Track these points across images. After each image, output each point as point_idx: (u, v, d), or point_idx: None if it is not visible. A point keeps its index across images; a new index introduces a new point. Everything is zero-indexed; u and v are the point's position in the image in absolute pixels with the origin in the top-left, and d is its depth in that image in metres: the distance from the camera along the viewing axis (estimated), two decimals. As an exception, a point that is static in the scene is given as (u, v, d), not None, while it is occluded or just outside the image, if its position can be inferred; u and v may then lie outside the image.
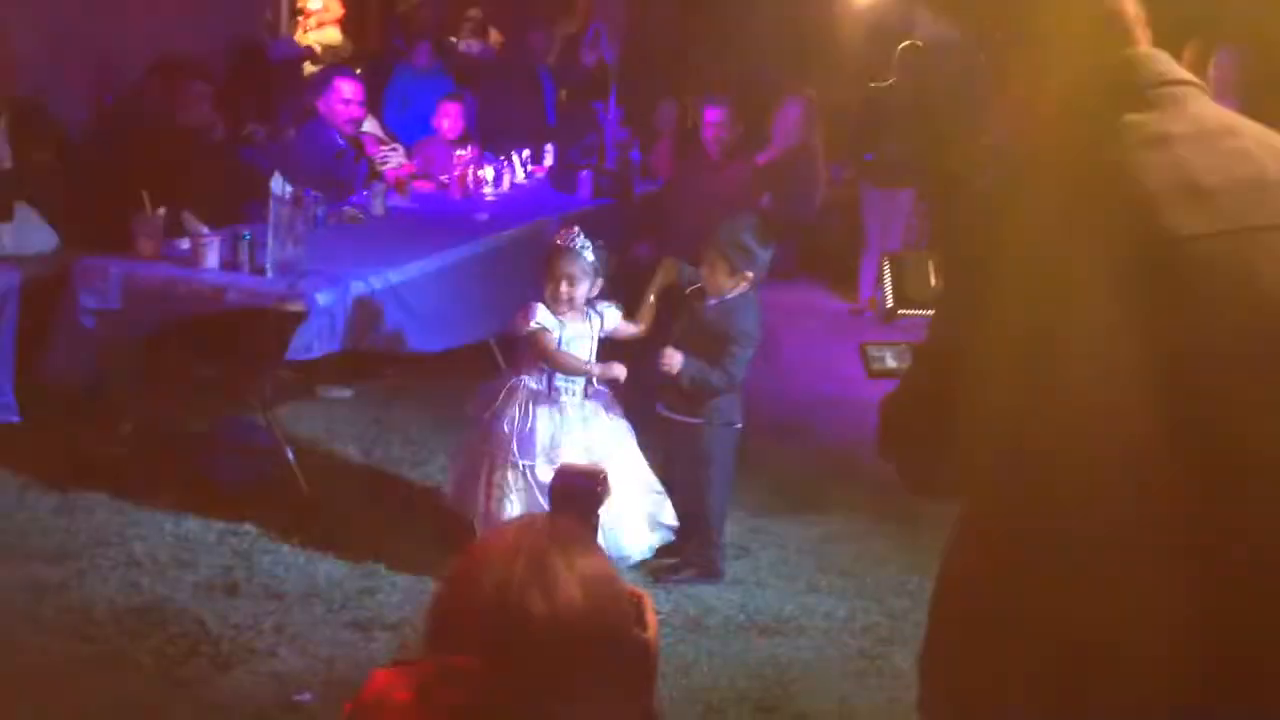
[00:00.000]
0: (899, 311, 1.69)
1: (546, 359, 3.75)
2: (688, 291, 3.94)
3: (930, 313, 1.54)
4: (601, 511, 1.84)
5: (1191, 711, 1.42)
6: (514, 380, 3.81)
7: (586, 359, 3.80)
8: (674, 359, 3.74)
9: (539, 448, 3.67)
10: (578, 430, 3.72)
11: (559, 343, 3.75)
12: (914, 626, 3.28)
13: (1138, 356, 1.40)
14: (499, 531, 1.65)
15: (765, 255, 3.84)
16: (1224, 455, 1.42)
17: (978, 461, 1.46)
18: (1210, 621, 1.42)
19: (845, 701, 3.27)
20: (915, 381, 1.58)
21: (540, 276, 3.81)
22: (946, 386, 1.47)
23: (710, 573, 3.88)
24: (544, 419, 3.71)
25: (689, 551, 3.89)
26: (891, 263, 1.70)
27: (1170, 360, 1.40)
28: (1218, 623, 1.43)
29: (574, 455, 3.58)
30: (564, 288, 3.73)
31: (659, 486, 3.86)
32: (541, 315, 3.75)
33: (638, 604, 1.82)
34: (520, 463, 3.67)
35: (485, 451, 3.77)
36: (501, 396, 3.78)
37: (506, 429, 3.71)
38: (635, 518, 3.79)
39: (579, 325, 3.80)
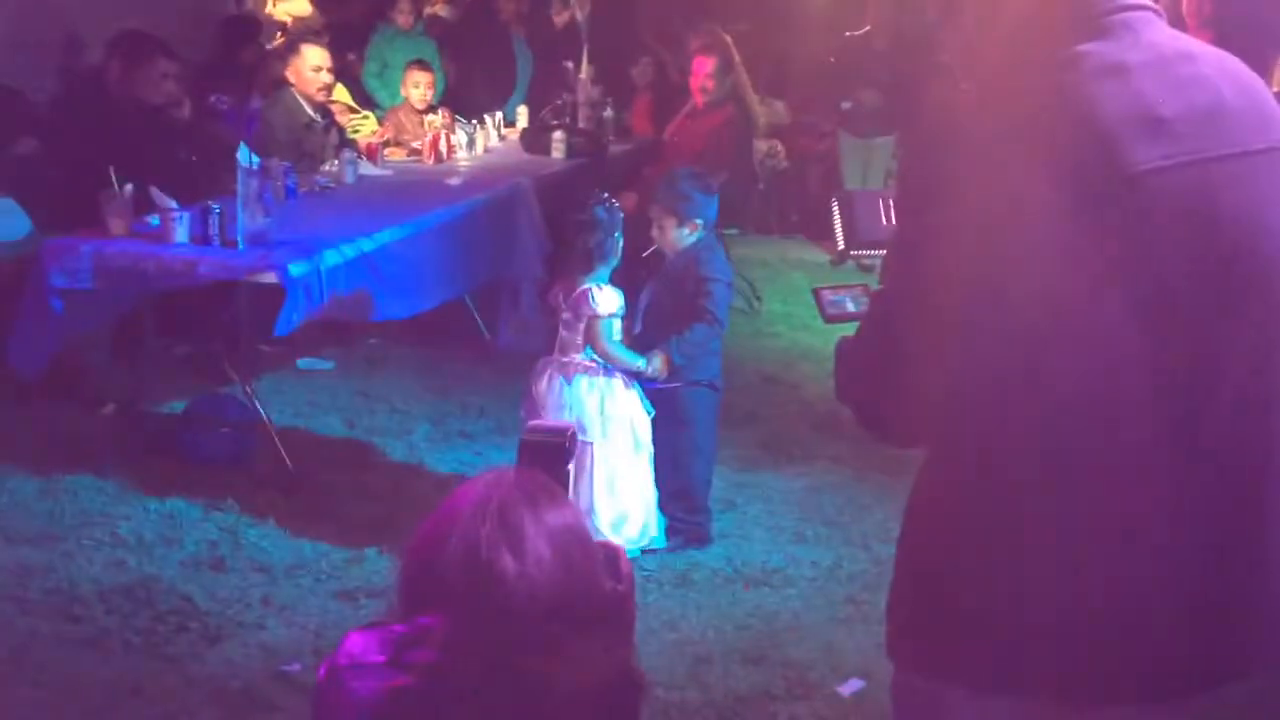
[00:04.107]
0: (850, 252, 1.67)
1: (599, 348, 3.65)
2: (645, 256, 3.91)
3: (883, 252, 1.53)
4: (570, 467, 1.85)
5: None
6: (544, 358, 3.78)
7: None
8: (661, 362, 3.66)
9: (563, 408, 3.64)
10: (594, 394, 3.67)
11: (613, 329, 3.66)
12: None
13: (1097, 288, 1.39)
14: (466, 489, 1.64)
15: (711, 201, 3.82)
16: (1187, 383, 1.42)
17: (934, 402, 1.45)
18: (1185, 544, 1.43)
19: (832, 648, 3.29)
20: (870, 323, 1.57)
21: (589, 248, 3.64)
22: (899, 326, 1.46)
23: (697, 539, 3.85)
24: (570, 387, 3.67)
25: (675, 519, 3.85)
26: (841, 202, 1.68)
27: (1131, 290, 1.39)
28: (1193, 546, 1.43)
29: (591, 417, 3.60)
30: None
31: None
32: (605, 298, 3.62)
33: (611, 556, 1.82)
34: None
35: (529, 418, 3.72)
36: (536, 371, 3.75)
37: (537, 397, 3.70)
38: (640, 501, 3.75)
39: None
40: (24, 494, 4.02)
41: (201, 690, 3.01)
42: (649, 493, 3.75)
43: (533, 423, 1.95)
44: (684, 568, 3.71)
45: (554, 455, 1.77)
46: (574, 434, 1.87)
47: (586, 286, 3.63)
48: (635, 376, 3.71)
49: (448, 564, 1.56)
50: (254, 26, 7.12)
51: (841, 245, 1.69)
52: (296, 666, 3.10)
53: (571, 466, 1.82)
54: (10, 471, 4.15)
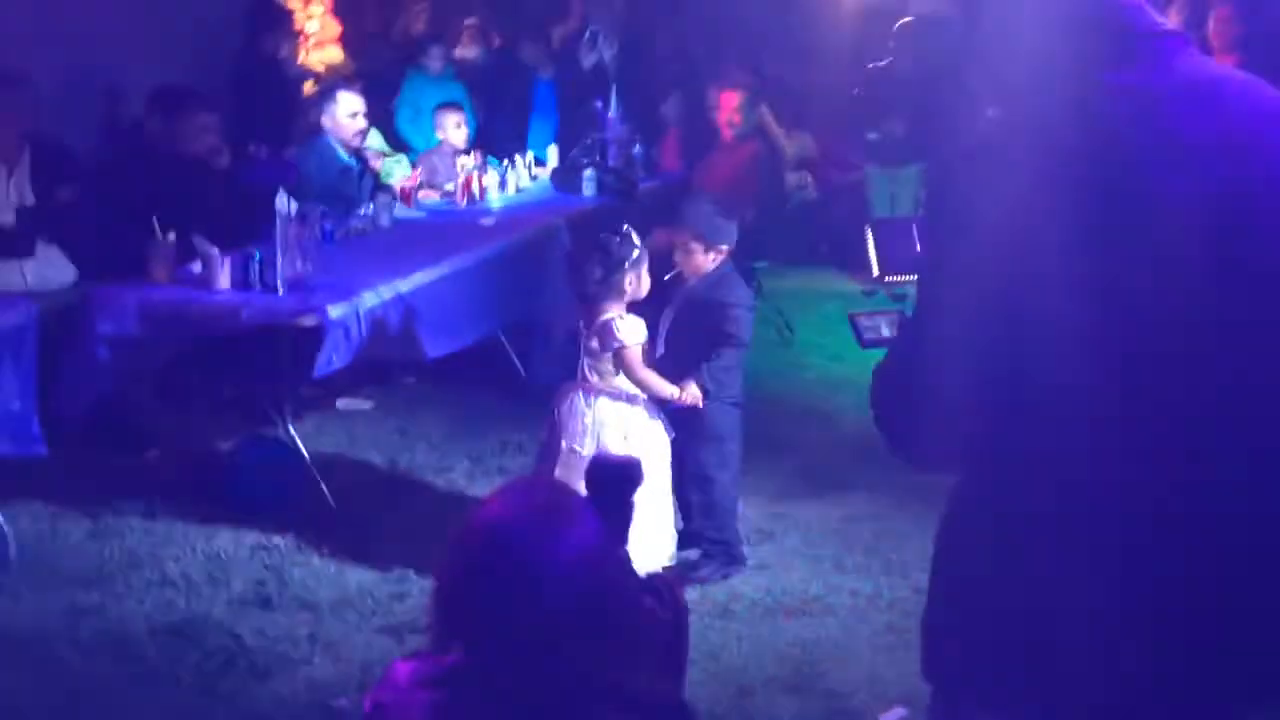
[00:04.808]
0: (885, 279, 1.70)
1: (634, 377, 3.65)
2: (666, 280, 3.95)
3: (915, 278, 1.55)
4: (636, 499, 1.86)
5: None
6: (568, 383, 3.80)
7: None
8: (694, 390, 3.70)
9: (585, 431, 3.67)
10: (616, 419, 3.69)
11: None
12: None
13: (1120, 315, 1.39)
14: (480, 514, 1.61)
15: (734, 226, 3.88)
16: (1211, 414, 1.41)
17: (957, 424, 1.47)
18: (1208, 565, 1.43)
19: (875, 677, 3.29)
20: (898, 347, 1.59)
21: (614, 279, 3.65)
22: (923, 349, 1.48)
23: (732, 560, 3.87)
24: (593, 412, 3.69)
25: (707, 543, 3.86)
26: (875, 230, 1.71)
27: (1154, 318, 1.40)
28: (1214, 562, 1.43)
29: (613, 441, 3.63)
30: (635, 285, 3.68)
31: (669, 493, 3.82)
32: (629, 328, 3.63)
33: (664, 587, 1.82)
34: (571, 445, 3.67)
35: (550, 441, 3.78)
36: (560, 395, 3.78)
37: (560, 420, 3.72)
38: (658, 528, 3.75)
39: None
40: (74, 538, 4.10)
41: (251, 726, 3.06)
42: (666, 514, 3.77)
43: (598, 455, 1.97)
44: (724, 598, 3.72)
45: (621, 488, 1.77)
46: (639, 465, 1.88)
47: (609, 318, 3.66)
48: (666, 402, 3.74)
49: (470, 593, 1.55)
50: (280, 12, 7.15)
51: (876, 272, 1.72)
52: (344, 701, 3.14)
53: (636, 499, 1.83)
54: (60, 516, 4.23)
